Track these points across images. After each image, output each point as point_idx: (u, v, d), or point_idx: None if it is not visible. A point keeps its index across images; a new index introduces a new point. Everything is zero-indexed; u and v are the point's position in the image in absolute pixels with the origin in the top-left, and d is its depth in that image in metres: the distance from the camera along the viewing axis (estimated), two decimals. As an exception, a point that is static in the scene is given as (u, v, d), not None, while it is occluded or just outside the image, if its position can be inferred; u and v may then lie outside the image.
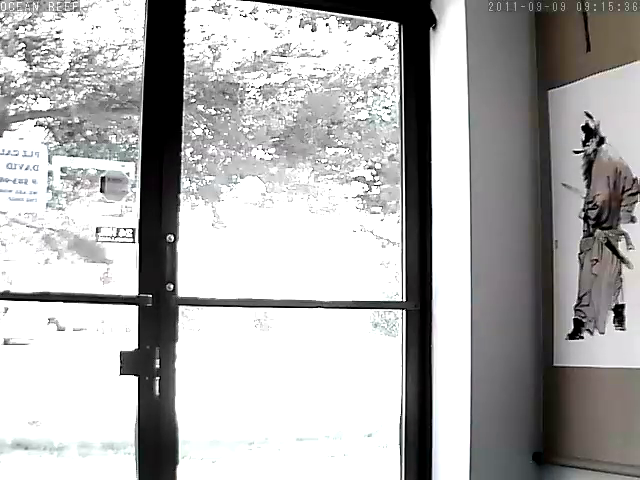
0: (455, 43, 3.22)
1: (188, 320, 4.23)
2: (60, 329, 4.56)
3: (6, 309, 4.33)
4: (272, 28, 4.16)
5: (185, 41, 3.00)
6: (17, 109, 3.87)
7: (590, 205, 3.08)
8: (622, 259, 2.97)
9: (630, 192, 2.95)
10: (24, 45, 3.75)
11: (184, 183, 3.41)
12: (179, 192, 2.95)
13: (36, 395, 4.29)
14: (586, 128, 3.10)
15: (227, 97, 4.20)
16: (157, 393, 2.83)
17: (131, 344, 2.83)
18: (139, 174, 2.93)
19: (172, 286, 2.88)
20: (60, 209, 3.92)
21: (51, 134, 3.93)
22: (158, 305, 2.85)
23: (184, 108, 3.00)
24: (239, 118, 4.25)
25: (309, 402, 4.76)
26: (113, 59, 3.86)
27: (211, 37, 4.04)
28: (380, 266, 4.63)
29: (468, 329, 3.10)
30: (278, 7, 4.04)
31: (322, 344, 4.78)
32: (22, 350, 4.47)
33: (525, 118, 3.27)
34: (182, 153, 2.99)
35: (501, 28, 3.23)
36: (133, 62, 3.81)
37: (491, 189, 3.18)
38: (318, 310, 3.95)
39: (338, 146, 4.48)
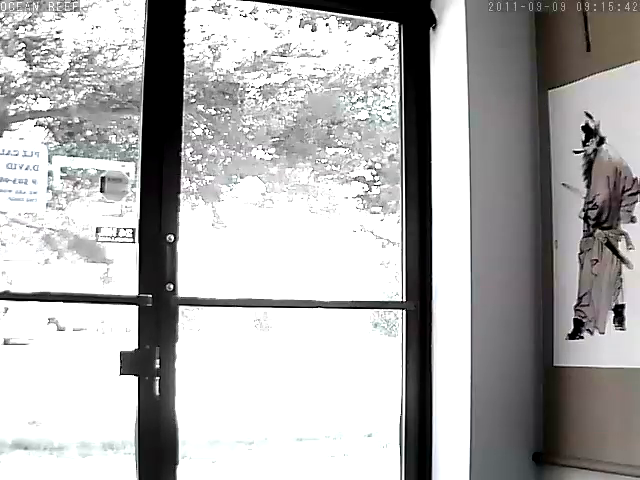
0: (455, 43, 3.22)
1: (188, 320, 4.23)
2: (60, 329, 4.57)
3: (6, 309, 4.33)
4: (272, 28, 4.17)
5: (185, 41, 3.00)
6: (17, 109, 3.87)
7: (590, 205, 3.08)
8: (622, 259, 2.97)
9: (630, 192, 2.94)
10: (24, 45, 3.75)
11: (184, 183, 3.42)
12: (179, 192, 2.95)
13: (36, 395, 4.29)
14: (586, 128, 3.10)
15: (227, 97, 4.20)
16: (157, 393, 2.82)
17: (131, 344, 2.82)
18: (139, 174, 2.93)
19: (172, 286, 2.88)
20: (60, 209, 3.92)
21: (51, 134, 3.93)
22: (158, 305, 2.85)
23: (184, 108, 3.00)
24: (239, 118, 4.25)
25: (309, 402, 4.76)
26: (113, 59, 3.86)
27: (211, 37, 4.04)
28: (380, 266, 4.63)
29: (468, 329, 3.10)
30: (278, 7, 4.04)
31: (322, 344, 4.78)
32: (22, 350, 4.48)
33: (525, 118, 3.27)
34: (182, 153, 2.99)
35: (501, 28, 3.23)
36: (133, 62, 3.82)
37: (491, 189, 3.18)
38: (318, 310, 3.95)
39: (338, 146, 4.49)
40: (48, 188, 3.30)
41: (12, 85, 3.79)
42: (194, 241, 3.78)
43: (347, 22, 4.22)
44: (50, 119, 3.93)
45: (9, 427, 4.12)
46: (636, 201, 2.92)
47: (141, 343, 2.83)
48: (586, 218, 3.09)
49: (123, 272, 3.78)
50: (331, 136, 4.46)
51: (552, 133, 3.23)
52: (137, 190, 2.93)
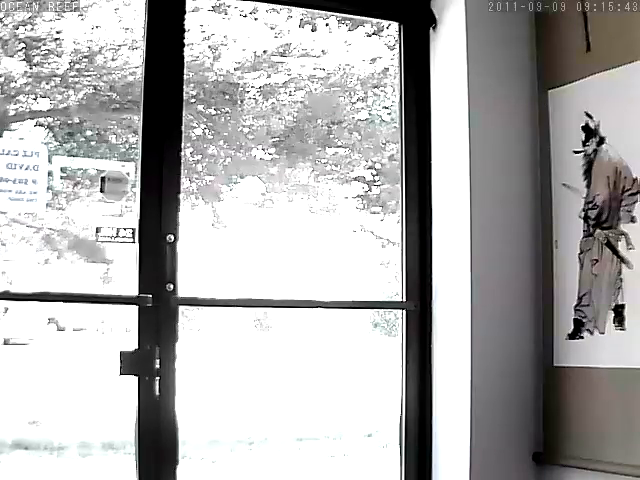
0: (455, 43, 3.22)
1: (188, 320, 4.23)
2: (60, 329, 4.57)
3: (6, 309, 4.33)
4: (272, 28, 4.16)
5: (185, 41, 3.00)
6: (17, 109, 3.87)
7: (590, 205, 3.08)
8: (622, 259, 2.97)
9: (630, 192, 2.94)
10: (24, 45, 3.75)
11: (184, 183, 3.41)
12: (179, 192, 2.95)
13: (36, 395, 4.29)
14: (586, 128, 3.10)
15: (227, 97, 4.20)
16: (157, 393, 2.83)
17: (131, 344, 2.83)
18: (139, 174, 2.93)
19: (172, 286, 2.88)
20: (60, 209, 3.92)
21: (51, 134, 3.93)
22: (158, 305, 2.85)
23: (184, 108, 3.00)
24: (239, 118, 4.25)
25: (309, 402, 4.76)
26: (113, 59, 3.86)
27: (211, 37, 4.04)
28: (380, 266, 4.63)
29: (468, 329, 3.10)
30: (278, 7, 4.04)
31: (322, 344, 4.78)
32: (22, 350, 4.48)
33: (525, 118, 3.27)
34: (182, 153, 2.99)
35: (501, 28, 3.23)
36: (133, 62, 3.82)
37: (491, 189, 3.18)
38: (318, 310, 3.95)
39: (338, 146, 4.49)
40: (48, 188, 3.30)
41: (12, 85, 3.79)
42: (194, 241, 3.77)
43: (347, 22, 4.22)
44: (50, 119, 3.93)
45: (9, 427, 4.12)
46: (636, 201, 2.92)
47: (141, 343, 2.83)
48: (586, 218, 3.09)
49: (123, 272, 3.78)
50: (331, 136, 4.46)
51: (552, 133, 3.23)
52: (137, 190, 2.93)
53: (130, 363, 2.81)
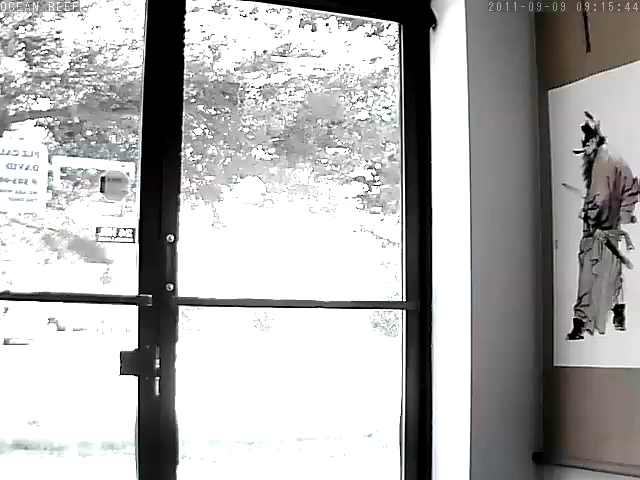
0: (455, 43, 3.23)
1: (188, 320, 4.23)
2: (60, 329, 4.56)
3: (6, 309, 4.33)
4: (272, 28, 4.16)
5: (185, 41, 3.00)
6: (17, 109, 3.87)
7: (590, 205, 3.08)
8: (622, 259, 2.97)
9: (630, 192, 2.95)
10: (24, 45, 3.75)
11: (184, 183, 3.41)
12: (179, 192, 2.95)
13: (36, 395, 4.29)
14: (586, 128, 3.10)
15: (227, 97, 4.20)
16: (157, 393, 2.83)
17: (131, 344, 2.83)
18: (139, 174, 2.94)
19: (172, 286, 2.88)
20: (60, 209, 3.92)
21: (51, 134, 3.93)
22: (158, 305, 2.85)
23: (184, 108, 3.00)
24: (239, 118, 4.25)
25: (309, 402, 4.76)
26: (113, 59, 3.86)
27: (211, 37, 4.04)
28: (380, 266, 4.63)
29: (468, 329, 3.10)
30: (278, 7, 4.04)
31: (322, 344, 4.78)
32: (22, 350, 4.47)
33: (525, 118, 3.27)
34: (182, 153, 2.99)
35: (501, 28, 3.23)
36: (133, 62, 3.81)
37: (491, 189, 3.18)
38: (318, 310, 3.95)
39: (338, 146, 4.48)
40: (48, 188, 3.29)
41: (12, 85, 3.79)
42: (194, 241, 3.77)
43: (347, 22, 4.21)
44: (50, 119, 3.93)
45: (9, 427, 4.12)
46: (636, 201, 2.92)
47: (141, 343, 2.83)
48: (586, 218, 3.09)
49: (123, 272, 3.77)
50: (331, 136, 4.46)
51: (552, 133, 3.23)
52: (137, 190, 2.93)
53: (130, 363, 2.81)
